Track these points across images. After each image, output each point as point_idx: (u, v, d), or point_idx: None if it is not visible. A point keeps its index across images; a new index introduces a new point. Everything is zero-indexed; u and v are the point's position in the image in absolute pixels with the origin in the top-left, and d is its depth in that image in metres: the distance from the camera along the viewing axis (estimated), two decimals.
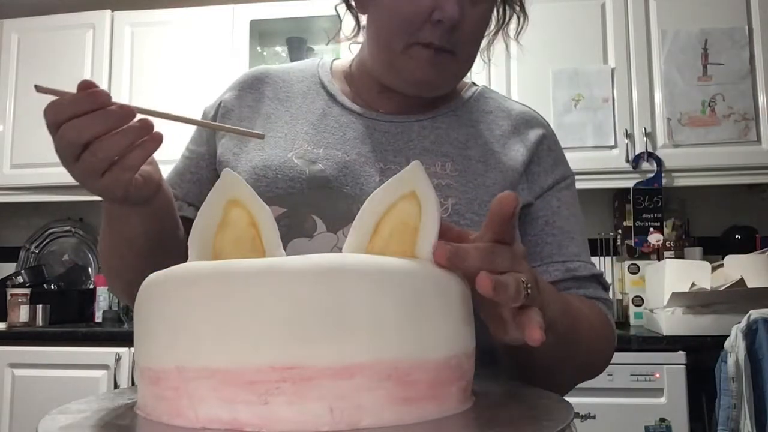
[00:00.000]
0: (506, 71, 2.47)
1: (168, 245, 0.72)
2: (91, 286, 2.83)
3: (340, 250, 0.71)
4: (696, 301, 1.99)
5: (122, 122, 0.57)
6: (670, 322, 2.00)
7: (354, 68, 0.85)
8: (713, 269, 2.08)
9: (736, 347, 1.78)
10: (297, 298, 0.41)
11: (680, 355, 1.95)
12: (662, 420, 1.93)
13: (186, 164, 0.84)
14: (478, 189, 0.75)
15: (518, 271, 0.48)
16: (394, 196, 0.51)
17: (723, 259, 2.12)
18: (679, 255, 2.42)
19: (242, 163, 0.78)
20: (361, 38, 0.84)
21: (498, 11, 0.84)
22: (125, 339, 2.25)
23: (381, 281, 0.43)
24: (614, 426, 1.94)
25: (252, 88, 0.85)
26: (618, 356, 2.11)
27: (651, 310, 2.20)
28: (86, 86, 0.57)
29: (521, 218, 0.78)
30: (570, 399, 0.50)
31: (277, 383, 0.40)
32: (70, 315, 2.68)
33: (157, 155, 0.63)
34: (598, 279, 0.79)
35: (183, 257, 0.52)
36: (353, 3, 0.82)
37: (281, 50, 2.77)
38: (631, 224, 2.45)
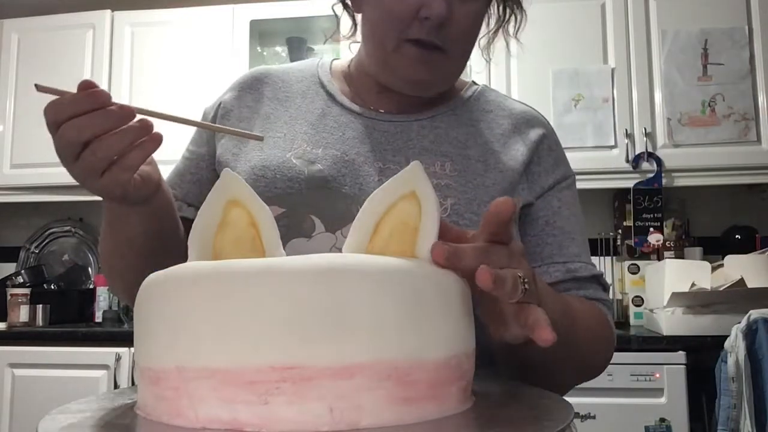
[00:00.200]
0: (506, 71, 2.47)
1: (168, 245, 0.72)
2: (91, 286, 2.83)
3: (338, 250, 0.71)
4: (696, 301, 1.99)
5: (122, 122, 0.57)
6: (670, 322, 2.00)
7: (353, 68, 0.85)
8: (713, 269, 2.08)
9: (736, 347, 1.78)
10: (297, 298, 0.41)
11: (680, 355, 1.95)
12: (662, 420, 1.93)
13: (186, 165, 0.85)
14: (477, 189, 0.75)
15: (515, 268, 0.48)
16: (394, 196, 0.51)
17: (723, 259, 2.12)
18: (679, 255, 2.42)
19: (241, 164, 0.78)
20: (359, 38, 0.84)
21: (497, 9, 0.84)
22: (125, 339, 2.25)
23: (381, 281, 0.43)
24: (614, 426, 1.94)
25: (251, 89, 0.85)
26: (618, 356, 2.11)
27: (651, 310, 2.20)
28: (86, 86, 0.57)
29: (521, 218, 0.78)
30: (570, 399, 0.50)
31: (277, 383, 0.40)
32: (70, 315, 2.68)
33: (157, 155, 0.63)
34: (598, 280, 0.79)
35: (183, 257, 0.52)
36: (349, 2, 0.82)
37: (281, 50, 2.77)
38: (631, 224, 2.45)
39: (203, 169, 0.83)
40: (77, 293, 2.78)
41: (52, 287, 2.74)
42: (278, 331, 0.40)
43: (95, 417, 0.47)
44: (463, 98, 0.84)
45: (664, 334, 2.01)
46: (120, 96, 2.66)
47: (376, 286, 0.42)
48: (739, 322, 1.80)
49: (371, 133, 0.79)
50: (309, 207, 0.73)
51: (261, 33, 2.76)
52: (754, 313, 1.78)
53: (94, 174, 0.59)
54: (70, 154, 0.58)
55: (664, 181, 2.37)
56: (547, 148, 0.82)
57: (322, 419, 0.40)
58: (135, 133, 0.58)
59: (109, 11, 2.72)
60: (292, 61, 2.63)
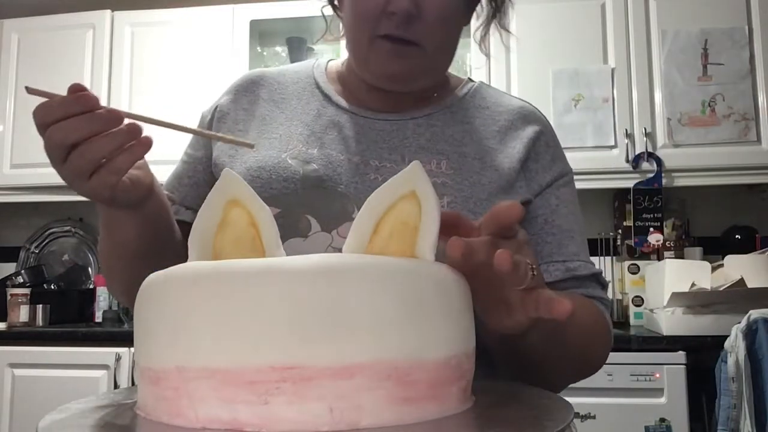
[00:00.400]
0: (506, 71, 2.47)
1: (163, 248, 0.72)
2: (91, 286, 2.83)
3: (334, 249, 0.71)
4: (696, 301, 1.99)
5: (109, 126, 0.57)
6: (670, 322, 2.00)
7: (344, 68, 0.85)
8: (713, 269, 2.08)
9: (736, 347, 1.78)
10: (297, 298, 0.41)
11: (680, 355, 1.95)
12: (662, 420, 1.93)
13: (184, 168, 0.85)
14: (473, 187, 0.75)
15: (523, 255, 0.49)
16: (394, 196, 0.51)
17: (723, 259, 2.12)
18: (679, 255, 2.42)
19: (237, 165, 0.78)
20: None
21: (486, 0, 0.84)
22: (125, 339, 2.25)
23: (381, 281, 0.43)
24: (614, 426, 1.94)
25: (247, 91, 0.85)
26: (618, 356, 2.11)
27: (651, 310, 2.20)
28: (76, 89, 0.58)
29: None
30: (570, 399, 0.50)
31: (277, 383, 0.40)
32: (70, 315, 2.68)
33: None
34: (597, 278, 0.79)
35: (180, 260, 0.52)
36: (337, 3, 0.82)
37: (281, 50, 2.77)
38: (631, 224, 2.45)
39: (200, 172, 0.83)
40: (77, 293, 2.78)
41: (52, 287, 2.74)
42: (278, 331, 0.40)
43: (95, 417, 0.47)
44: (459, 96, 0.84)
45: (664, 334, 2.01)
46: (120, 96, 2.67)
47: (376, 286, 0.42)
48: (739, 322, 1.80)
49: (367, 132, 0.79)
50: (305, 207, 0.74)
51: (261, 33, 2.76)
52: (754, 313, 1.78)
53: (81, 176, 0.59)
54: (58, 156, 0.58)
55: (664, 181, 2.37)
56: (545, 144, 0.81)
57: (322, 419, 0.40)
58: (122, 137, 0.58)
59: (109, 11, 2.72)
60: (292, 61, 2.64)
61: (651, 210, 2.41)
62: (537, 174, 0.79)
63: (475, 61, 2.48)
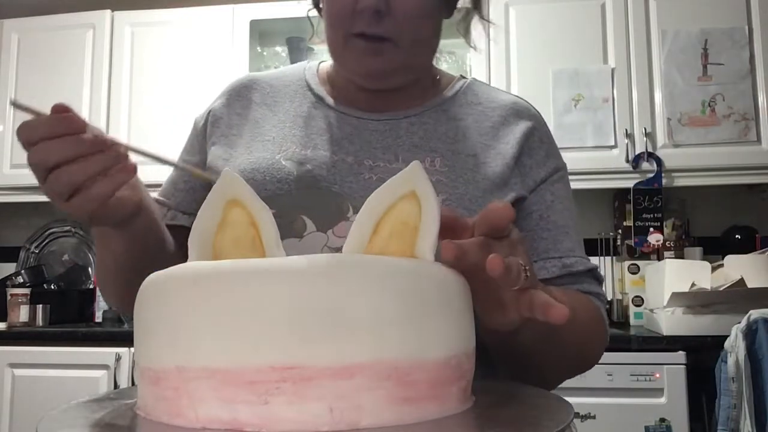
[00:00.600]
0: (506, 71, 2.47)
1: (153, 264, 0.72)
2: (91, 286, 2.83)
3: (330, 249, 0.72)
4: (696, 301, 1.99)
5: (91, 150, 0.56)
6: (670, 322, 2.00)
7: (333, 69, 0.86)
8: (713, 269, 2.08)
9: (736, 347, 1.78)
10: (297, 298, 0.41)
11: (680, 355, 1.95)
12: (662, 420, 1.93)
13: (179, 174, 0.85)
14: (468, 184, 0.75)
15: (516, 256, 0.49)
16: (393, 196, 0.51)
17: (723, 259, 2.12)
18: (679, 255, 2.42)
19: (231, 168, 0.78)
20: None
21: None
22: (125, 339, 2.25)
23: (381, 281, 0.43)
24: (614, 426, 1.94)
25: (240, 96, 0.85)
26: (618, 356, 2.11)
27: (651, 310, 2.20)
28: (60, 110, 0.57)
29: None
30: (570, 399, 0.50)
31: (277, 383, 0.40)
32: (70, 315, 2.68)
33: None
34: (593, 273, 0.79)
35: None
36: (320, 5, 0.83)
37: (281, 50, 2.77)
38: (631, 224, 2.45)
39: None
40: (77, 293, 2.78)
41: (52, 287, 2.74)
42: (278, 331, 0.40)
43: (95, 417, 0.47)
44: (451, 93, 0.84)
45: (664, 334, 2.01)
46: (120, 96, 2.67)
47: (376, 286, 0.42)
48: (739, 322, 1.80)
49: (360, 132, 0.79)
50: (299, 207, 0.74)
51: (261, 33, 2.76)
52: (754, 313, 1.78)
53: (58, 198, 0.58)
54: (38, 175, 0.58)
55: (664, 181, 2.37)
56: (538, 140, 0.81)
57: (322, 419, 0.40)
58: (103, 163, 0.57)
59: (109, 11, 2.72)
60: (292, 61, 2.64)
61: (651, 210, 2.41)
62: (531, 170, 0.79)
63: (476, 61, 2.48)
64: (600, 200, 2.67)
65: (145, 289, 0.47)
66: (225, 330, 0.41)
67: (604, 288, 0.82)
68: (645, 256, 2.45)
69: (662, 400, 1.94)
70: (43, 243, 2.99)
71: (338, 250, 0.71)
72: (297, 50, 2.71)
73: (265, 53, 2.79)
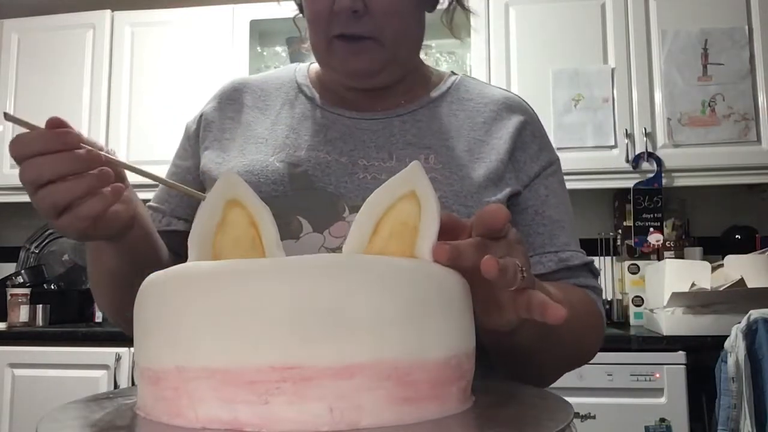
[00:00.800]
0: (506, 71, 2.47)
1: (147, 274, 0.72)
2: None
3: (327, 249, 0.72)
4: (696, 301, 1.99)
5: (86, 168, 0.55)
6: (670, 322, 2.00)
7: (322, 70, 0.86)
8: (713, 269, 2.08)
9: (736, 347, 1.78)
10: (297, 298, 0.41)
11: (680, 355, 1.95)
12: (662, 420, 1.93)
13: (172, 179, 0.85)
14: (463, 180, 0.75)
15: (513, 256, 0.49)
16: (393, 196, 0.51)
17: (723, 259, 2.12)
18: (679, 255, 2.42)
19: (225, 171, 0.78)
20: None
21: None
22: (125, 339, 2.24)
23: (381, 281, 0.43)
24: (614, 426, 1.94)
25: (231, 99, 0.85)
26: (618, 356, 2.11)
27: (651, 310, 2.20)
28: (55, 124, 0.56)
29: (509, 207, 0.78)
30: (570, 399, 0.50)
31: (277, 383, 0.40)
32: (70, 315, 2.68)
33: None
34: (588, 267, 0.79)
35: None
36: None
37: (281, 50, 2.77)
38: (631, 224, 2.45)
39: (189, 182, 0.83)
40: (77, 293, 2.78)
41: (52, 287, 2.74)
42: (278, 331, 0.40)
43: (95, 417, 0.47)
44: (442, 90, 0.84)
45: (664, 334, 2.01)
46: (120, 96, 2.67)
47: (376, 286, 0.42)
48: (739, 322, 1.80)
49: (353, 132, 0.79)
50: (295, 208, 0.74)
51: (261, 33, 2.76)
52: (754, 313, 1.78)
53: (48, 215, 0.57)
54: (29, 190, 0.57)
55: (664, 181, 2.37)
56: (531, 134, 0.81)
57: (322, 419, 0.40)
58: (93, 182, 0.56)
59: (109, 11, 2.72)
60: (292, 61, 2.64)
61: (651, 210, 2.41)
62: (525, 164, 0.79)
63: (476, 61, 2.48)
64: (600, 200, 2.67)
65: (145, 289, 0.47)
66: (225, 330, 0.41)
67: (600, 282, 0.82)
68: (645, 256, 2.45)
69: (662, 400, 1.94)
70: (43, 243, 2.99)
71: (335, 250, 0.71)
72: (297, 50, 2.70)
73: (265, 53, 2.78)
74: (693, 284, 2.01)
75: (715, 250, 2.47)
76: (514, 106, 0.83)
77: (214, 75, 2.55)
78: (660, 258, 2.39)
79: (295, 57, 2.68)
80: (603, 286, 2.49)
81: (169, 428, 0.42)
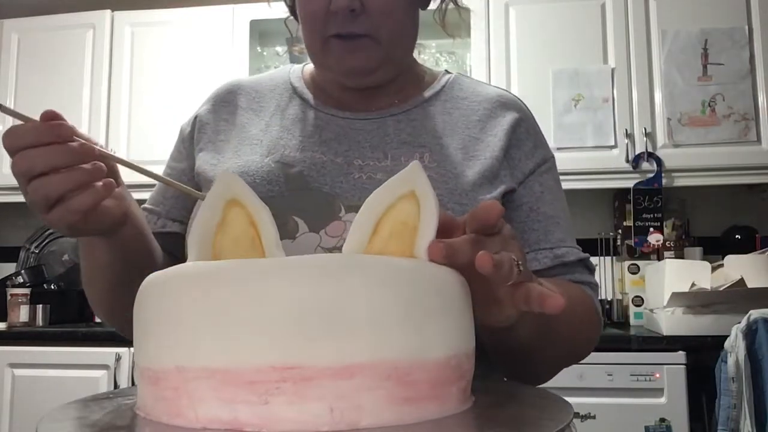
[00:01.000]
0: (506, 71, 2.47)
1: (142, 273, 0.72)
2: None
3: (324, 249, 0.72)
4: (696, 301, 1.99)
5: (79, 160, 0.55)
6: (670, 322, 2.00)
7: (316, 71, 0.86)
8: (713, 269, 2.08)
9: (736, 347, 1.78)
10: (297, 298, 0.41)
11: (680, 355, 1.95)
12: (662, 420, 1.93)
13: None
14: (458, 178, 0.75)
15: (509, 251, 0.49)
16: (393, 196, 0.51)
17: (723, 259, 2.12)
18: (679, 255, 2.42)
19: (222, 171, 0.78)
20: None
21: None
22: (125, 339, 2.23)
23: (381, 281, 0.43)
24: (614, 426, 1.94)
25: (225, 101, 0.85)
26: (618, 356, 2.11)
27: (651, 310, 2.20)
28: (49, 117, 0.56)
29: (504, 204, 0.78)
30: (570, 399, 0.50)
31: (277, 383, 0.40)
32: (70, 315, 2.68)
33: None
34: (584, 263, 0.79)
35: None
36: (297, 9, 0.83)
37: (281, 50, 2.77)
38: (631, 224, 2.45)
39: (184, 184, 0.83)
40: (77, 293, 2.77)
41: (52, 287, 2.74)
42: (278, 331, 0.40)
43: (95, 417, 0.47)
44: (436, 88, 0.84)
45: (664, 334, 2.01)
46: (120, 96, 2.67)
47: (376, 286, 0.42)
48: (739, 322, 1.80)
49: (348, 132, 0.79)
50: (291, 209, 0.74)
51: (261, 33, 2.76)
52: (754, 313, 1.78)
53: (38, 209, 0.57)
54: (21, 183, 0.56)
55: (664, 181, 2.37)
56: (525, 131, 0.81)
57: (322, 419, 0.40)
58: (84, 176, 0.56)
59: (109, 11, 2.72)
60: (291, 61, 2.64)
61: (651, 210, 2.41)
62: (520, 162, 0.79)
63: (476, 61, 2.48)
64: (600, 200, 2.67)
65: (144, 289, 0.47)
66: (225, 330, 0.41)
67: (597, 279, 0.82)
68: (645, 256, 2.45)
69: (662, 400, 1.94)
70: (43, 243, 2.98)
71: (331, 250, 0.71)
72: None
73: (265, 53, 2.78)
74: (693, 284, 2.01)
75: (715, 250, 2.48)
76: (508, 103, 0.83)
77: (214, 75, 2.55)
78: (660, 258, 2.40)
79: (295, 57, 2.68)
80: (603, 286, 2.50)
81: (169, 428, 0.42)
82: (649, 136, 2.37)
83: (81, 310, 2.74)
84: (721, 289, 1.97)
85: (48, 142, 0.55)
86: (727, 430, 1.77)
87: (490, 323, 0.54)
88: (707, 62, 2.39)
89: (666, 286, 2.03)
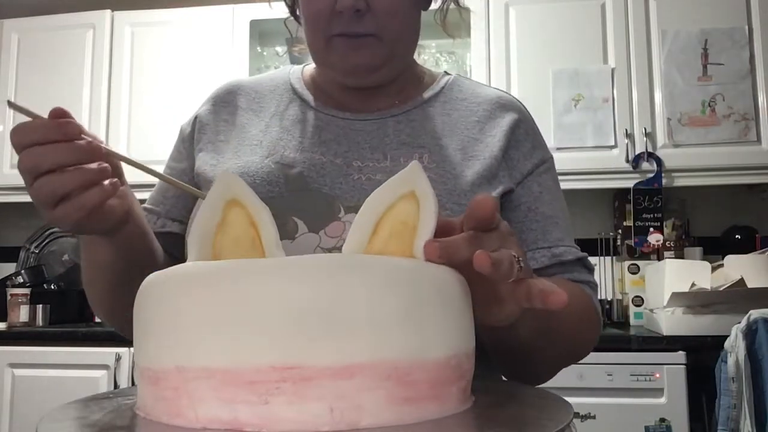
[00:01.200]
0: (506, 71, 2.47)
1: (143, 272, 0.72)
2: None
3: (323, 249, 0.72)
4: (696, 301, 1.99)
5: (86, 159, 0.55)
6: (670, 322, 2.00)
7: (317, 72, 0.86)
8: (713, 269, 2.08)
9: (736, 347, 1.78)
10: (297, 298, 0.41)
11: (680, 355, 1.95)
12: (662, 420, 1.93)
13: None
14: (457, 179, 0.75)
15: (507, 248, 0.49)
16: (393, 196, 0.51)
17: (723, 259, 2.12)
18: (679, 255, 2.42)
19: (222, 171, 0.78)
20: None
21: None
22: (125, 339, 2.24)
23: (381, 281, 0.43)
24: (614, 426, 1.94)
25: (225, 102, 0.85)
26: (618, 356, 2.11)
27: (651, 310, 2.20)
28: (58, 114, 0.56)
29: (503, 205, 0.78)
30: (570, 399, 0.50)
31: (277, 383, 0.40)
32: (70, 315, 2.68)
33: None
34: (583, 262, 0.79)
35: None
36: (297, 10, 0.83)
37: (281, 50, 2.77)
38: (631, 224, 2.45)
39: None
40: (77, 293, 2.77)
41: (52, 287, 2.74)
42: (278, 331, 0.40)
43: (95, 417, 0.47)
44: (436, 90, 0.85)
45: (664, 334, 2.01)
46: (120, 96, 2.67)
47: (376, 286, 0.42)
48: (739, 322, 1.80)
49: (347, 133, 0.79)
50: (290, 209, 0.74)
51: (261, 33, 2.76)
52: (754, 313, 1.78)
53: (44, 205, 0.57)
54: (26, 179, 0.57)
55: (664, 181, 2.37)
56: (524, 132, 0.82)
57: (322, 419, 0.40)
58: (91, 175, 0.56)
59: (109, 11, 2.72)
60: (291, 61, 2.64)
61: (651, 210, 2.41)
62: (518, 162, 0.80)
63: (476, 61, 2.48)
64: (600, 200, 2.67)
65: (144, 289, 0.47)
66: (225, 330, 0.41)
67: (596, 278, 0.82)
68: (645, 256, 2.45)
69: (662, 400, 1.94)
70: (43, 243, 2.99)
71: (331, 250, 0.71)
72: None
73: (265, 53, 2.78)
74: (693, 284, 2.01)
75: (715, 250, 2.48)
76: (507, 104, 0.83)
77: (214, 75, 2.55)
78: (660, 258, 2.40)
79: (295, 57, 2.68)
80: (603, 286, 2.50)
81: (169, 428, 0.42)
82: (649, 136, 2.37)
83: (81, 310, 2.74)
84: (721, 289, 1.97)
85: (56, 140, 0.55)
86: (727, 430, 1.77)
87: (491, 322, 0.54)
88: (707, 62, 2.39)
89: (666, 286, 2.03)
